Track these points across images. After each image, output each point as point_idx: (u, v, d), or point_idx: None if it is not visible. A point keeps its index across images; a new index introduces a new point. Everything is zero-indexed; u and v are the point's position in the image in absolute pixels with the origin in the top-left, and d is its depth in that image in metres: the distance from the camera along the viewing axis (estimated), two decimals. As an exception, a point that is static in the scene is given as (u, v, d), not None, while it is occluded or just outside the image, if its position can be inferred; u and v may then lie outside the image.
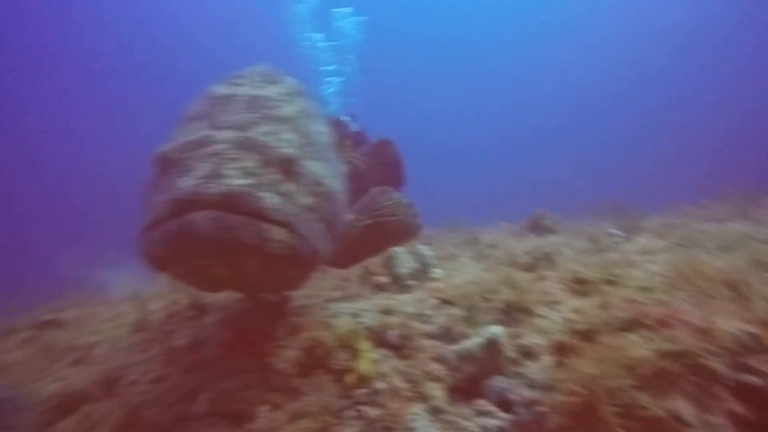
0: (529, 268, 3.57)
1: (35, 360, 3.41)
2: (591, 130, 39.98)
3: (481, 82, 42.51)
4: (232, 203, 1.77)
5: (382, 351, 2.48)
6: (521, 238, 6.45)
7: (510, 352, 2.36)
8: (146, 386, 2.64)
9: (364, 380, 2.17)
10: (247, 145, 2.02)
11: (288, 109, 2.49)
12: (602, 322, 1.79)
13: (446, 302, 2.86)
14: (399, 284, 3.41)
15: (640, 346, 1.51)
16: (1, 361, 3.54)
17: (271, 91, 2.55)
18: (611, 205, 7.95)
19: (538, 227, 7.13)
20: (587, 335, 1.80)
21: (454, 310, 2.76)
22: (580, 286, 2.92)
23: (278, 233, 1.84)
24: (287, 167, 2.05)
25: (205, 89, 2.61)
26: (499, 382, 2.28)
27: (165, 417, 2.33)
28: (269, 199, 1.88)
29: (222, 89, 2.49)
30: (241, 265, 1.93)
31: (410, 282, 3.42)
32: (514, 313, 2.66)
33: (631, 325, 1.72)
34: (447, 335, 2.62)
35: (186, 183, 1.82)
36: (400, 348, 2.50)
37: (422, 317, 2.74)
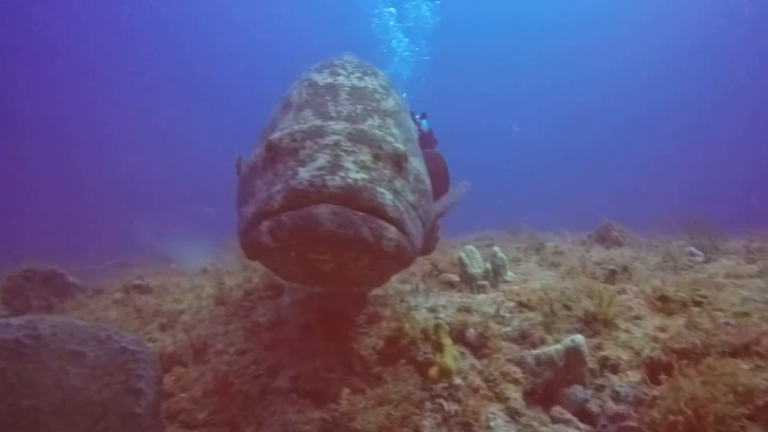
0: (608, 279, 3.49)
1: (129, 320, 3.71)
2: (661, 135, 38.03)
3: (546, 86, 41.32)
4: (352, 198, 1.72)
5: (461, 348, 2.52)
6: (588, 248, 6.27)
7: (591, 363, 2.34)
8: (232, 357, 2.82)
9: (445, 374, 2.22)
10: (360, 138, 1.98)
11: (389, 103, 2.48)
12: (706, 344, 1.74)
13: (524, 306, 2.85)
14: (471, 284, 3.43)
15: (753, 375, 1.46)
16: (101, 317, 3.89)
17: (369, 82, 2.53)
18: (685, 220, 7.54)
19: (605, 238, 6.90)
20: (687, 355, 1.76)
21: (532, 315, 2.76)
22: (663, 303, 2.84)
23: (392, 232, 1.80)
24: (398, 163, 2.03)
25: (303, 76, 2.59)
26: (578, 391, 2.27)
27: (250, 387, 2.49)
28: (386, 196, 1.84)
29: (323, 77, 2.46)
30: (352, 262, 1.88)
31: (482, 282, 3.43)
32: (594, 324, 2.63)
33: (740, 351, 1.66)
34: (525, 339, 2.62)
35: (304, 173, 1.76)
36: (478, 347, 2.54)
37: (500, 318, 2.76)
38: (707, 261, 4.60)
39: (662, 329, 2.54)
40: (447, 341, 2.31)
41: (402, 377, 2.25)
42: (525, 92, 41.86)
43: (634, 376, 2.13)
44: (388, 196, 1.85)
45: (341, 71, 2.55)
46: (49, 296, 5.11)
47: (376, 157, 1.96)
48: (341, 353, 2.49)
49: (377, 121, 2.22)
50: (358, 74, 2.58)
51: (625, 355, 2.30)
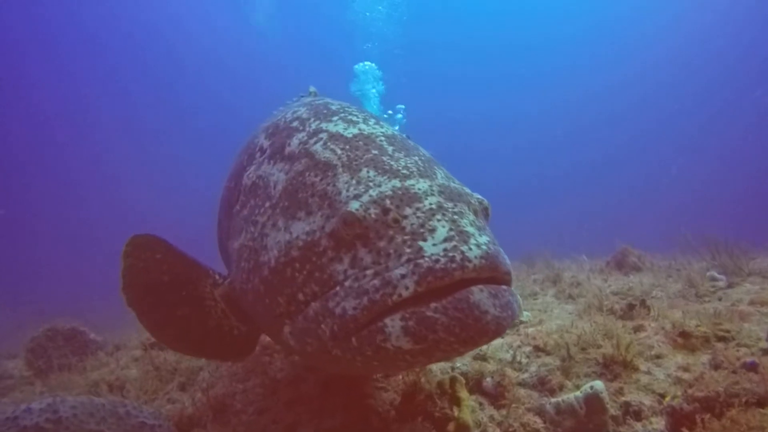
0: (624, 315, 3.43)
1: (148, 379, 3.73)
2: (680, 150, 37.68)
3: (553, 99, 41.67)
4: (494, 268, 1.48)
5: (479, 398, 2.49)
6: (606, 276, 6.18)
7: (613, 410, 2.29)
8: (251, 417, 2.82)
9: (463, 430, 2.19)
10: (453, 195, 1.70)
11: (420, 148, 2.17)
12: (729, 393, 1.70)
13: (540, 350, 2.82)
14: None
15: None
16: (122, 376, 3.93)
17: (388, 128, 2.23)
18: (705, 240, 7.39)
19: (623, 264, 6.80)
20: (711, 404, 1.71)
21: (549, 359, 2.72)
22: (685, 339, 2.78)
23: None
24: (487, 214, 1.81)
25: (302, 130, 2.23)
26: (603, 441, 2.21)
27: (269, 449, 2.47)
28: (506, 256, 1.61)
29: (343, 127, 2.12)
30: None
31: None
32: (613, 366, 2.58)
33: (766, 400, 1.62)
34: (543, 385, 2.58)
35: (433, 248, 1.46)
36: (496, 396, 2.50)
37: (517, 365, 2.72)
38: (730, 286, 4.49)
39: (685, 369, 2.48)
40: (464, 394, 2.29)
41: (420, 435, 2.22)
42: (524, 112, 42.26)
43: (659, 423, 2.08)
44: (505, 256, 1.62)
45: (353, 118, 2.24)
46: (71, 355, 5.19)
47: (476, 214, 1.73)
48: (359, 411, 2.48)
49: (439, 171, 1.91)
50: (371, 120, 2.27)
51: (647, 401, 2.25)
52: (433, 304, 1.39)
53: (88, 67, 32.06)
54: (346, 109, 2.37)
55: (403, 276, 1.43)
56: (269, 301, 1.81)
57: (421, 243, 1.49)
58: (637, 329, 3.06)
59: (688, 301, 4.18)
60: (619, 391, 2.39)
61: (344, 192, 1.74)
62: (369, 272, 1.51)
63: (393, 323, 1.41)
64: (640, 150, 39.60)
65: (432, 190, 1.69)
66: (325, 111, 2.36)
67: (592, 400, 2.28)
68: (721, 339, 2.69)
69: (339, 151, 1.97)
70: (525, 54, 40.91)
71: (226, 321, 2.65)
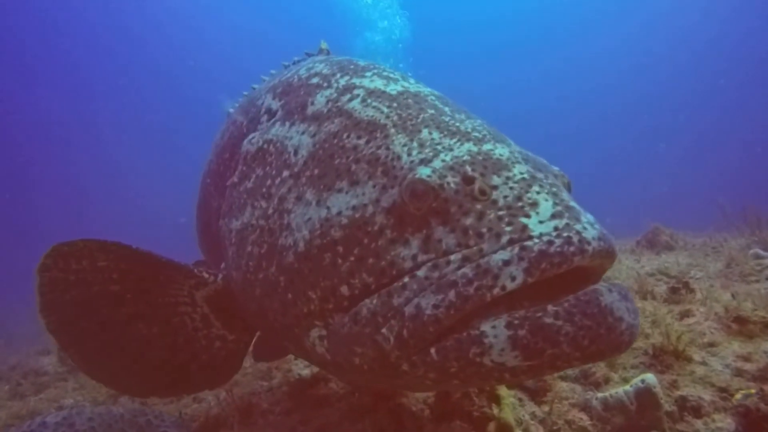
0: (669, 299, 3.21)
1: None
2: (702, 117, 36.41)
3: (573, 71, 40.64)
4: (610, 254, 1.21)
5: (518, 394, 2.33)
6: (638, 257, 5.92)
7: (667, 405, 2.10)
8: (277, 417, 2.71)
9: (505, 430, 2.04)
10: (537, 165, 1.39)
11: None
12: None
13: (581, 341, 2.64)
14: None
15: None
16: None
17: (425, 87, 1.88)
18: (743, 213, 7.03)
19: (654, 243, 6.52)
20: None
21: (592, 351, 2.54)
22: (740, 325, 2.56)
23: None
24: (569, 189, 1.49)
25: (345, 86, 1.83)
26: (658, 440, 2.04)
27: (298, 451, 2.36)
28: None
29: (383, 84, 1.78)
30: None
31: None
32: (663, 356, 2.39)
33: None
34: (587, 378, 2.41)
35: (540, 226, 1.15)
36: (537, 391, 2.34)
37: (557, 358, 2.55)
38: (777, 264, 4.22)
39: (746, 358, 2.28)
40: (503, 392, 2.13)
41: (458, 436, 2.08)
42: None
43: (723, 421, 1.89)
44: None
45: (390, 74, 1.90)
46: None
47: (567, 188, 1.44)
48: (390, 411, 2.34)
49: (503, 136, 1.57)
50: (411, 78, 1.94)
51: (707, 395, 2.06)
52: (551, 307, 1.07)
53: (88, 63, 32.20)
54: (377, 66, 1.99)
55: (507, 262, 1.10)
56: (293, 296, 1.47)
57: (524, 220, 1.17)
58: (685, 315, 2.85)
59: (732, 282, 3.94)
60: (673, 384, 2.20)
61: (405, 156, 1.41)
62: (454, 258, 1.17)
63: (496, 331, 1.08)
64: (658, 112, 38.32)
65: (516, 157, 1.37)
66: (352, 66, 1.99)
67: (644, 395, 2.09)
68: (782, 324, 2.47)
69: (385, 109, 1.62)
70: (520, 21, 39.72)
71: (204, 332, 2.17)
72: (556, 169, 1.47)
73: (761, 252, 4.47)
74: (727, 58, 33.75)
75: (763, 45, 31.76)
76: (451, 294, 1.13)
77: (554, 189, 1.27)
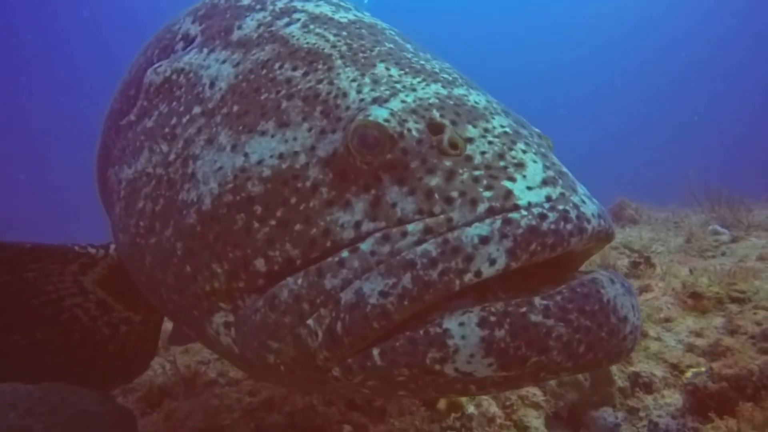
0: (629, 273, 3.21)
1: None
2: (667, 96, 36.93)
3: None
4: (609, 238, 1.01)
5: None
6: (603, 230, 5.97)
7: (620, 381, 2.08)
8: (223, 389, 2.60)
9: (456, 405, 1.98)
10: (518, 120, 1.13)
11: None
12: (766, 372, 1.47)
13: (539, 314, 2.60)
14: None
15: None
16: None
17: (383, 23, 1.58)
18: (703, 190, 7.15)
19: (620, 217, 6.59)
20: (740, 385, 1.49)
21: (549, 325, 2.50)
22: (696, 300, 2.56)
23: None
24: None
25: (283, 8, 1.50)
26: (608, 415, 2.02)
27: (243, 424, 2.27)
28: None
29: (330, 10, 1.47)
30: None
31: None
32: (619, 331, 2.36)
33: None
34: (542, 353, 2.37)
35: (527, 193, 0.90)
36: (490, 367, 2.29)
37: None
38: (734, 240, 4.29)
39: (698, 334, 2.27)
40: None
41: (408, 410, 2.01)
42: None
43: (672, 397, 1.87)
44: None
45: (342, 3, 1.60)
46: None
47: (551, 149, 1.16)
48: (340, 383, 2.26)
49: (474, 84, 1.28)
50: (367, 12, 1.63)
51: (658, 371, 2.04)
52: (540, 301, 0.82)
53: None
54: None
55: (485, 239, 0.84)
56: (192, 268, 1.15)
57: (507, 183, 0.91)
58: (644, 290, 2.84)
59: (690, 257, 3.98)
60: (627, 360, 2.17)
61: (353, 93, 1.11)
62: (412, 228, 0.90)
63: (464, 330, 0.82)
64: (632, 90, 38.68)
65: (494, 108, 1.10)
66: None
67: (599, 371, 2.07)
68: (734, 300, 2.47)
69: (331, 37, 1.31)
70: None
71: (104, 319, 1.85)
72: (536, 129, 1.19)
73: (719, 228, 4.54)
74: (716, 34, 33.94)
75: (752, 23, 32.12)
76: (406, 278, 0.85)
77: (542, 150, 1.03)
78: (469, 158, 0.96)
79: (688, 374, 1.84)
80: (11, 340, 1.78)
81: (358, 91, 1.11)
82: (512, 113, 1.15)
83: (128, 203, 1.40)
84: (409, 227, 0.91)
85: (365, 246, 0.92)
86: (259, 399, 2.40)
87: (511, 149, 0.98)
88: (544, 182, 0.93)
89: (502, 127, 1.04)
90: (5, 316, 1.75)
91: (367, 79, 1.14)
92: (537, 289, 0.89)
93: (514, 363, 0.81)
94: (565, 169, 1.02)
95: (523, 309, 0.82)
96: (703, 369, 1.76)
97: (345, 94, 1.12)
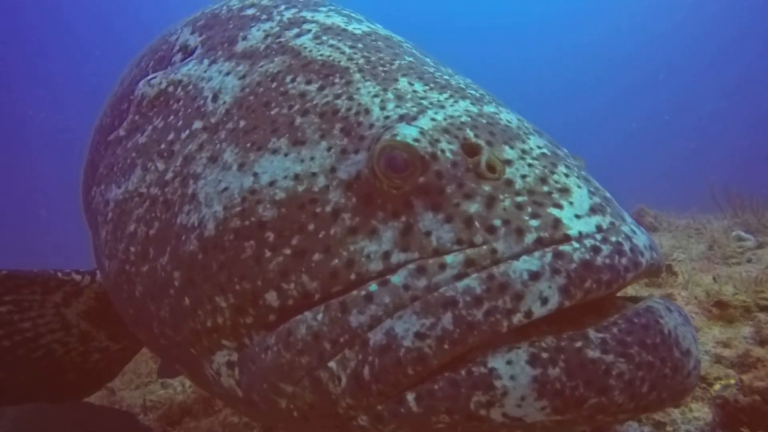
0: (650, 282, 3.14)
1: (143, 360, 3.56)
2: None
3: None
4: (660, 271, 0.97)
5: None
6: (622, 238, 5.87)
7: (645, 394, 2.03)
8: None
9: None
10: (550, 140, 1.07)
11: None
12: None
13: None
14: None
15: None
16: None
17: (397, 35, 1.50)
18: (725, 195, 6.99)
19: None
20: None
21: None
22: (720, 310, 2.49)
23: None
24: None
25: (292, 19, 1.42)
26: (633, 430, 1.96)
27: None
28: None
29: (342, 21, 1.39)
30: None
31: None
32: (642, 342, 2.31)
33: None
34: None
35: (576, 224, 0.84)
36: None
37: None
38: (760, 246, 4.17)
39: (725, 344, 2.20)
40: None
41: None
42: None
43: (701, 411, 1.81)
44: None
45: (352, 14, 1.50)
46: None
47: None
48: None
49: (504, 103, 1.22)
50: (378, 23, 1.56)
51: (685, 383, 1.98)
52: (594, 334, 0.75)
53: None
54: (334, 4, 1.58)
55: (535, 275, 0.77)
56: (191, 301, 1.04)
57: (554, 211, 0.84)
58: (666, 299, 2.77)
59: (714, 264, 3.88)
60: (651, 372, 2.12)
61: (377, 110, 1.02)
62: (452, 260, 0.82)
63: (513, 369, 0.74)
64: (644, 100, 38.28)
65: (526, 126, 1.03)
66: (311, 4, 1.55)
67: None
68: (763, 309, 2.40)
69: (347, 49, 1.22)
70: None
71: (80, 349, 1.71)
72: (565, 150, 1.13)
73: (743, 234, 4.43)
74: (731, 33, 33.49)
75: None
76: (447, 318, 0.77)
77: (583, 173, 0.96)
78: (510, 182, 0.89)
79: (717, 387, 1.78)
80: None
81: (382, 108, 1.03)
82: (544, 133, 1.09)
83: (117, 226, 1.28)
84: (448, 259, 0.83)
85: (397, 279, 0.84)
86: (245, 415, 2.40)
87: (552, 172, 0.92)
88: (593, 210, 0.87)
89: (539, 148, 0.97)
90: None
91: (390, 95, 1.06)
92: (580, 320, 0.81)
93: (571, 405, 0.73)
94: (609, 195, 0.96)
95: (578, 344, 0.75)
96: (732, 381, 1.70)
97: (367, 111, 1.04)
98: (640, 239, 0.88)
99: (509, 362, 0.75)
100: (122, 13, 29.21)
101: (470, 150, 0.93)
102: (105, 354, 1.75)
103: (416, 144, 0.90)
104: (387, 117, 1.01)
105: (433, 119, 0.97)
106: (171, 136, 1.27)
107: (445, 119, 0.98)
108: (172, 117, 1.33)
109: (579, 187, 0.90)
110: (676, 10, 34.25)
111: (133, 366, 3.51)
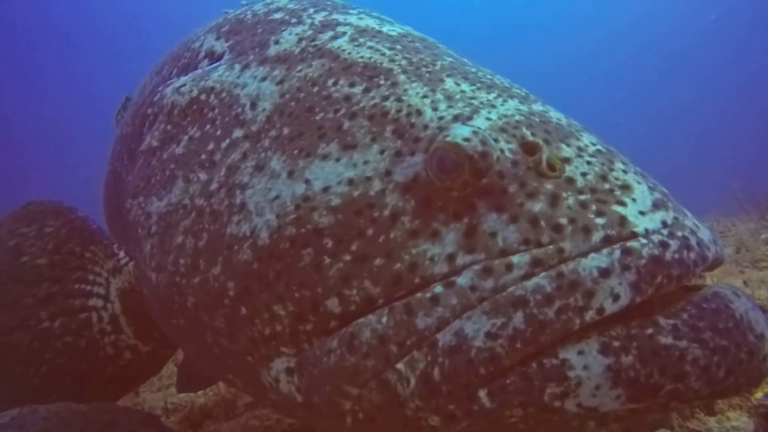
0: (678, 287, 3.07)
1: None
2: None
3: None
4: (721, 263, 0.96)
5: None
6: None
7: (678, 401, 1.96)
8: (263, 410, 2.60)
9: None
10: (600, 138, 1.07)
11: None
12: None
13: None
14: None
15: None
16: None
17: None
18: (751, 197, 6.82)
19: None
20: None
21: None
22: (755, 315, 2.41)
23: None
24: None
25: (323, 22, 1.40)
26: (667, 439, 1.90)
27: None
28: None
29: (375, 23, 1.38)
30: None
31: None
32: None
33: None
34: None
35: (642, 221, 0.84)
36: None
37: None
38: (790, 249, 4.06)
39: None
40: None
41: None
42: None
43: (739, 420, 1.75)
44: None
45: (382, 16, 1.50)
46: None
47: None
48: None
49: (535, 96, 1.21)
50: (407, 26, 1.54)
51: (720, 391, 1.92)
52: (665, 321, 0.75)
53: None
54: (361, 7, 1.56)
55: (605, 272, 0.78)
56: (248, 310, 1.04)
57: (618, 209, 0.84)
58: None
59: (743, 268, 3.78)
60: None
61: (429, 111, 1.02)
62: (519, 261, 0.83)
63: (586, 359, 0.75)
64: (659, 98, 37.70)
65: (575, 125, 1.04)
66: (329, 2, 1.55)
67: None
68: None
69: (387, 51, 1.20)
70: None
71: (111, 337, 1.67)
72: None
73: (773, 237, 4.32)
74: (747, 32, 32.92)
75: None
76: (518, 318, 0.77)
77: (638, 168, 0.96)
78: (571, 180, 0.89)
79: (759, 395, 1.71)
80: (40, 315, 1.64)
81: (434, 108, 1.03)
82: (590, 129, 1.08)
83: (163, 239, 1.27)
84: (514, 259, 0.83)
85: (463, 280, 0.84)
86: (298, 422, 2.38)
87: (611, 169, 0.92)
88: (655, 206, 0.87)
89: (594, 144, 0.97)
90: (53, 290, 1.64)
91: (439, 95, 1.06)
92: (647, 309, 0.81)
93: (647, 393, 0.73)
94: (666, 190, 0.96)
95: (649, 330, 0.75)
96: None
97: (419, 112, 1.03)
98: (704, 234, 0.88)
99: (581, 352, 0.76)
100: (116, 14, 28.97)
101: (529, 149, 0.94)
102: (135, 354, 1.76)
103: (470, 144, 0.89)
104: (441, 118, 1.01)
105: (488, 119, 0.97)
106: (210, 146, 1.27)
107: (500, 118, 0.98)
108: (208, 126, 1.32)
109: (639, 183, 0.91)
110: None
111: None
